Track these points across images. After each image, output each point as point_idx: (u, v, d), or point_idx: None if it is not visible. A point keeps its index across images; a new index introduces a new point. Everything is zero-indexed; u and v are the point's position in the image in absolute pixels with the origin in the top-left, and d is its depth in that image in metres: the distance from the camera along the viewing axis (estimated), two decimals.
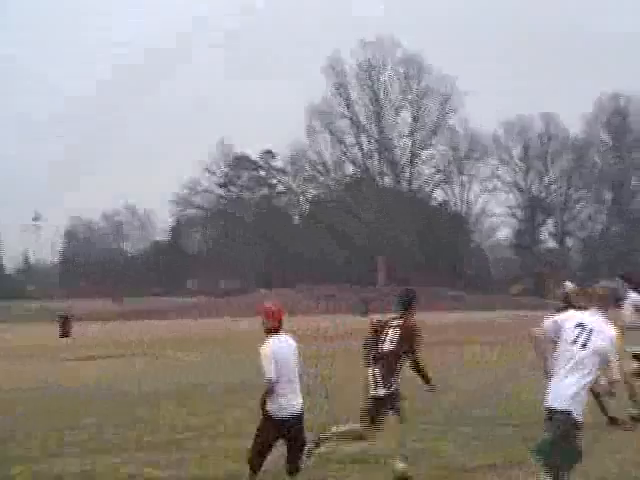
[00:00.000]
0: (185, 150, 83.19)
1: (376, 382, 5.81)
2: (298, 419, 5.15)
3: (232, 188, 65.57)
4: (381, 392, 5.78)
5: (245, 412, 8.14)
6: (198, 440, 7.41)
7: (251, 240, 62.43)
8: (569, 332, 4.25)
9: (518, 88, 76.20)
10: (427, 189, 65.55)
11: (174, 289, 61.90)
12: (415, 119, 63.14)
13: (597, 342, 4.16)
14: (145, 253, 66.90)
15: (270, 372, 4.93)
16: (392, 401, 5.84)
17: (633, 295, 8.01)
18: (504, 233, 65.98)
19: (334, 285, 55.58)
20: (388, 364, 5.79)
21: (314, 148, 63.37)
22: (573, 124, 61.47)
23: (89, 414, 9.45)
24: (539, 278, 60.87)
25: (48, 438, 7.84)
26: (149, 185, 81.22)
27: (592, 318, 4.30)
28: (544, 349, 4.45)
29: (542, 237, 65.01)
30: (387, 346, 5.83)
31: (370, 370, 5.84)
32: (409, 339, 5.86)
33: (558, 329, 4.29)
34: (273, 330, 5.12)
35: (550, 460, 4.25)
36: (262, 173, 66.35)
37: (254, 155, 66.04)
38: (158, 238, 68.59)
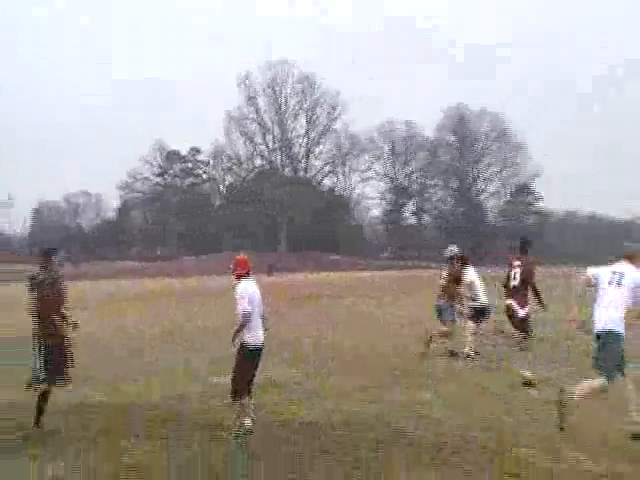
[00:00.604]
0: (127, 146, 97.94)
1: (515, 308, 7.90)
2: (262, 349, 5.74)
3: (166, 177, 76.52)
4: (522, 313, 7.76)
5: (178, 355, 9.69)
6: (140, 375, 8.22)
7: (180, 217, 73.21)
8: (607, 277, 5.47)
9: (388, 98, 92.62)
10: (318, 178, 76.29)
11: (121, 256, 73.83)
12: (309, 123, 74.07)
13: (628, 280, 5.33)
14: (97, 228, 78.24)
15: (246, 306, 5.50)
16: (527, 321, 7.78)
17: (470, 270, 9.32)
18: (376, 212, 78.27)
19: (246, 252, 67.80)
20: (519, 294, 7.96)
21: (230, 146, 73.94)
22: (428, 127, 75.20)
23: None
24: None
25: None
26: (101, 173, 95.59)
27: (622, 267, 5.47)
28: (583, 288, 5.70)
29: (405, 215, 76.96)
30: (515, 282, 7.99)
31: (509, 301, 8.04)
32: (527, 274, 7.95)
33: (597, 277, 5.54)
34: (244, 275, 5.76)
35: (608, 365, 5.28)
36: (190, 165, 77.45)
37: (184, 151, 76.72)
38: (108, 216, 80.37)
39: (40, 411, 5.95)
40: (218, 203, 78.10)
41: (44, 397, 5.97)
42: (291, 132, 74.91)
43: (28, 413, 6.02)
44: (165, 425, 5.96)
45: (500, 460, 4.87)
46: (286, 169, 75.60)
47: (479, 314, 9.21)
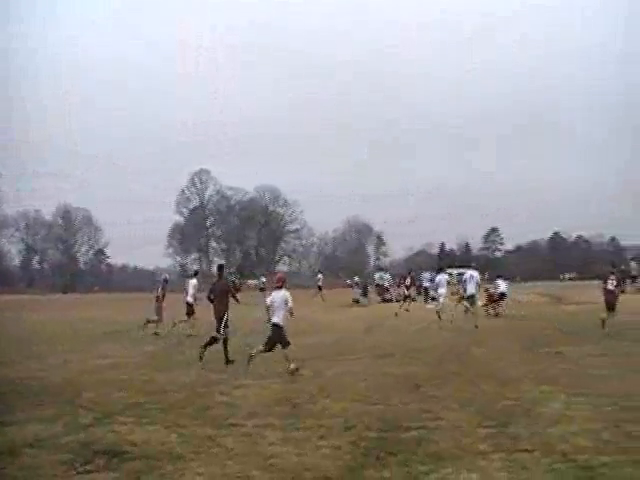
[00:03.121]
0: None
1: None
2: (278, 325, 9.50)
3: None
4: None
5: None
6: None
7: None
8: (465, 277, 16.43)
9: None
10: None
11: None
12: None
13: (474, 279, 16.25)
14: None
15: (267, 302, 9.55)
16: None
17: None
18: None
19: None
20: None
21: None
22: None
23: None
24: None
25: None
26: None
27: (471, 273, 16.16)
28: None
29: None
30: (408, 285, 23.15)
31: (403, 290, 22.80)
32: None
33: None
34: (277, 287, 9.66)
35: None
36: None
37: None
38: None
39: (206, 346, 10.91)
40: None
41: (213, 340, 11.04)
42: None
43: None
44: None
45: None
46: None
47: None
